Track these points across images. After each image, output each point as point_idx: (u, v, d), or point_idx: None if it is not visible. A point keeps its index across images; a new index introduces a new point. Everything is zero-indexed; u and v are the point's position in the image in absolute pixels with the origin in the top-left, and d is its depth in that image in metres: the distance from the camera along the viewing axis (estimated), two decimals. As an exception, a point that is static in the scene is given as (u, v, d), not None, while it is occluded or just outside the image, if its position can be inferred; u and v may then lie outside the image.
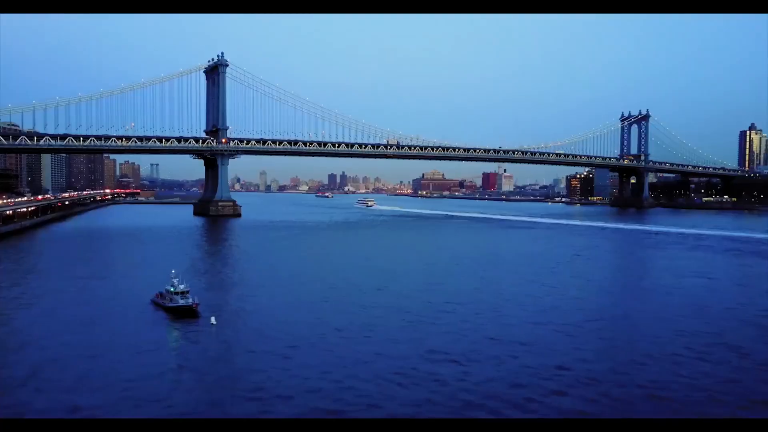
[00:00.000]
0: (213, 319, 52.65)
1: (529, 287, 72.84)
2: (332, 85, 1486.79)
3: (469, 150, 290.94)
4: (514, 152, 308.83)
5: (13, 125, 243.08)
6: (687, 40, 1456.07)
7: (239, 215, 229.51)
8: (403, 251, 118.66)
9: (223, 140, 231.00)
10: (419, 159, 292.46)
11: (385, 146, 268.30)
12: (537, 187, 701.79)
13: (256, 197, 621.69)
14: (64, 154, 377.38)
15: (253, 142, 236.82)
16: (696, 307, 61.31)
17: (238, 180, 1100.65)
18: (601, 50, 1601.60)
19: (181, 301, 56.67)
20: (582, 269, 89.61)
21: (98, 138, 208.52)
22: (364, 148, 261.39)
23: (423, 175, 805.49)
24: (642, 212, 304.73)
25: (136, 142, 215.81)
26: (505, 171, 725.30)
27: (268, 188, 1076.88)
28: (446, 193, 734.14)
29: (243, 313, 58.71)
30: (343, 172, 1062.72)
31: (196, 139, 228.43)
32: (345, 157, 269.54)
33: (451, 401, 33.93)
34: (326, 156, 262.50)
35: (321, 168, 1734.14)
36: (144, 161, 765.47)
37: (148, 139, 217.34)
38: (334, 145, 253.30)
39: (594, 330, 51.54)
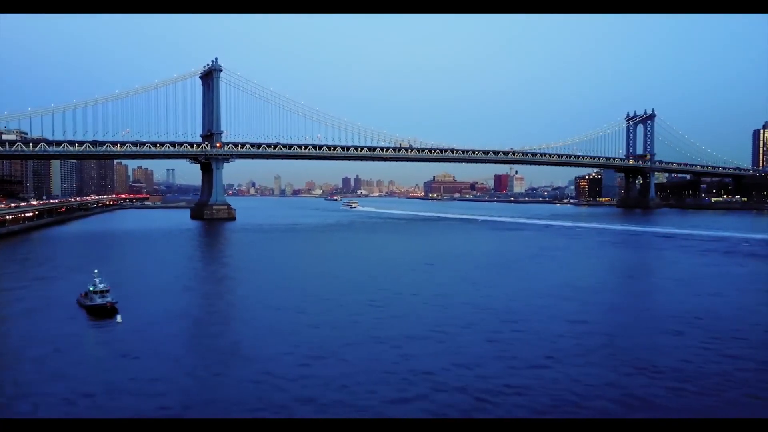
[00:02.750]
0: (119, 317, 53.88)
1: (457, 285, 72.76)
2: (333, 89, 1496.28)
3: (467, 152, 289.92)
4: (514, 153, 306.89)
5: (21, 132, 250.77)
6: (698, 40, 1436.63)
7: (234, 218, 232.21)
8: (355, 254, 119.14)
9: (218, 144, 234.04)
10: (417, 161, 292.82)
11: (383, 149, 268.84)
12: (549, 189, 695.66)
13: (265, 201, 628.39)
14: (74, 160, 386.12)
15: (248, 146, 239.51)
16: (592, 303, 60.78)
17: (253, 184, 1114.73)
18: (610, 51, 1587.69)
19: (99, 300, 57.88)
20: (529, 269, 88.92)
21: (93, 144, 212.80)
22: (360, 150, 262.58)
23: (434, 177, 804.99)
24: (647, 213, 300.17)
25: (130, 147, 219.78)
26: (516, 173, 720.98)
27: (282, 192, 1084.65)
28: (457, 195, 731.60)
29: (164, 313, 59.54)
30: (357, 176, 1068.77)
31: (191, 144, 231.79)
32: (341, 160, 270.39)
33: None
34: (322, 159, 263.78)
35: (335, 171, 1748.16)
36: (159, 166, 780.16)
37: (143, 144, 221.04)
38: (329, 148, 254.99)
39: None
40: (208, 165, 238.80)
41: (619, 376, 37.69)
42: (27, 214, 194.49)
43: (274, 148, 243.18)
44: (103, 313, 56.37)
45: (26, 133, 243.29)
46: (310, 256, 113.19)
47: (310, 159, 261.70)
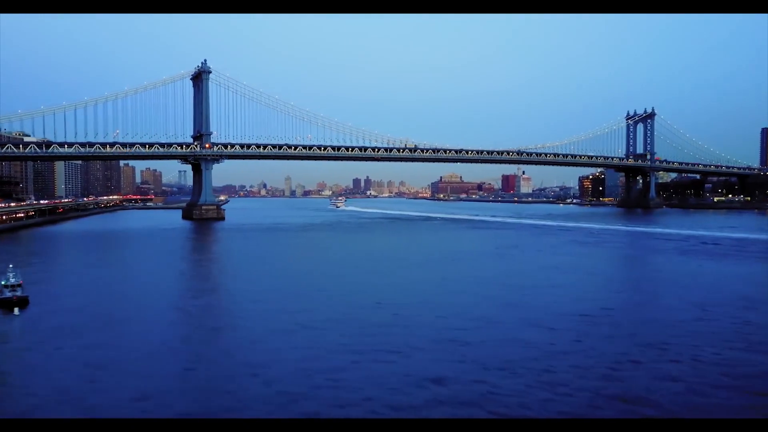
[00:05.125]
0: (16, 311, 55.52)
1: (374, 283, 73.05)
2: (331, 90, 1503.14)
3: (460, 151, 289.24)
4: (509, 153, 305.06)
5: (24, 134, 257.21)
6: (700, 38, 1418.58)
7: (222, 218, 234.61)
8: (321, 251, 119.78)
9: (207, 145, 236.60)
10: (410, 161, 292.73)
11: (374, 149, 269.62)
12: (557, 189, 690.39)
13: (272, 202, 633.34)
14: (79, 162, 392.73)
15: (237, 146, 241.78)
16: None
17: (264, 186, 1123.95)
18: (610, 50, 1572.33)
19: (8, 294, 59.41)
20: (462, 267, 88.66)
21: (83, 145, 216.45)
22: (352, 150, 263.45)
23: (440, 178, 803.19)
24: (646, 213, 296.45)
25: (119, 148, 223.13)
26: (523, 173, 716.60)
27: (293, 193, 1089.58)
28: (463, 195, 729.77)
29: (75, 306, 60.57)
30: (368, 176, 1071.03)
31: (180, 145, 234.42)
32: (333, 160, 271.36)
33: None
34: (313, 159, 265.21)
35: (346, 172, 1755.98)
36: (170, 168, 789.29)
37: (132, 145, 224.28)
38: (320, 148, 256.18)
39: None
40: (198, 166, 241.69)
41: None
42: (20, 215, 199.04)
43: (264, 148, 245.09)
44: (9, 306, 57.91)
45: (28, 135, 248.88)
46: (270, 253, 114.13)
47: (301, 159, 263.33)
